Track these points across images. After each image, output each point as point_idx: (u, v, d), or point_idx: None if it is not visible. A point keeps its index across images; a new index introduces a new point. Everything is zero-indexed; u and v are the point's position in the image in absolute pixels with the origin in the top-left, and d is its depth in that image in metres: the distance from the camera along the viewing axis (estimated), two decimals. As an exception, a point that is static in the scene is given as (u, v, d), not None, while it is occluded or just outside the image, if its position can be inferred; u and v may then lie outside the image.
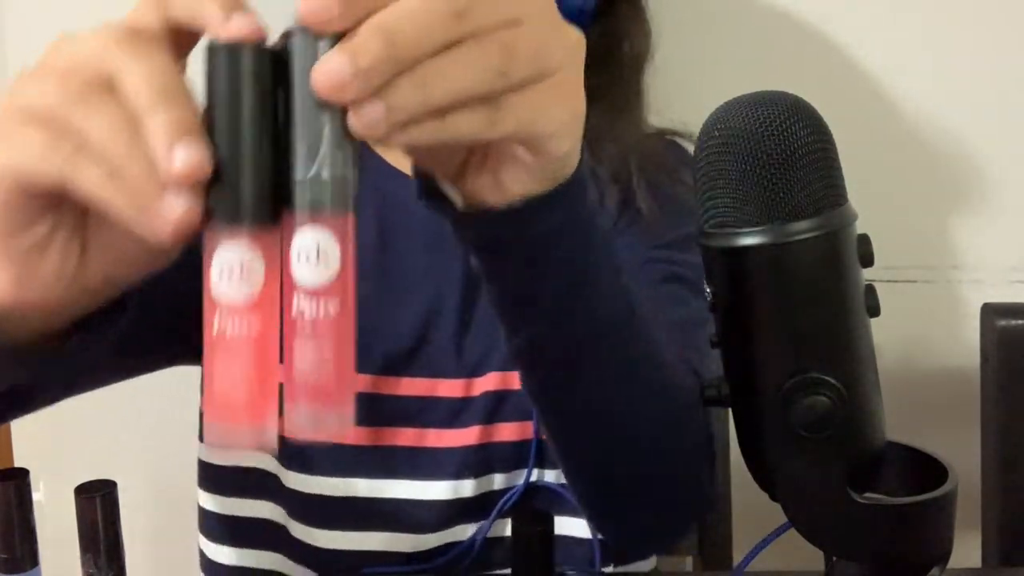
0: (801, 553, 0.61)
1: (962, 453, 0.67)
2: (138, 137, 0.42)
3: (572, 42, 0.48)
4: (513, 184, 0.51)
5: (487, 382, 0.84)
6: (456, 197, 0.53)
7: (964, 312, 1.15)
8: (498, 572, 0.85)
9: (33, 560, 0.64)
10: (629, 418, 0.68)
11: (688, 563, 1.11)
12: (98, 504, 0.63)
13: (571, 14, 0.69)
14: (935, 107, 1.15)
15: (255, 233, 0.42)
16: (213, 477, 0.88)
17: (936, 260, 1.18)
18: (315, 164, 0.42)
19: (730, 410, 0.58)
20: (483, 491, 0.84)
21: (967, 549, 1.06)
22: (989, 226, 1.17)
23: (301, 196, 0.42)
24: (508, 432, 0.84)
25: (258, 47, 0.42)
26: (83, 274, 0.48)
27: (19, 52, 1.14)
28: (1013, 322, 1.04)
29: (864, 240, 0.53)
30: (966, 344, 1.12)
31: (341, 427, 0.43)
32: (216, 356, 0.42)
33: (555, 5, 0.48)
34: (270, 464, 0.84)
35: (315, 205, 0.42)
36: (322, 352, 0.42)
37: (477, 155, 0.51)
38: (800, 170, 0.51)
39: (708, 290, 0.56)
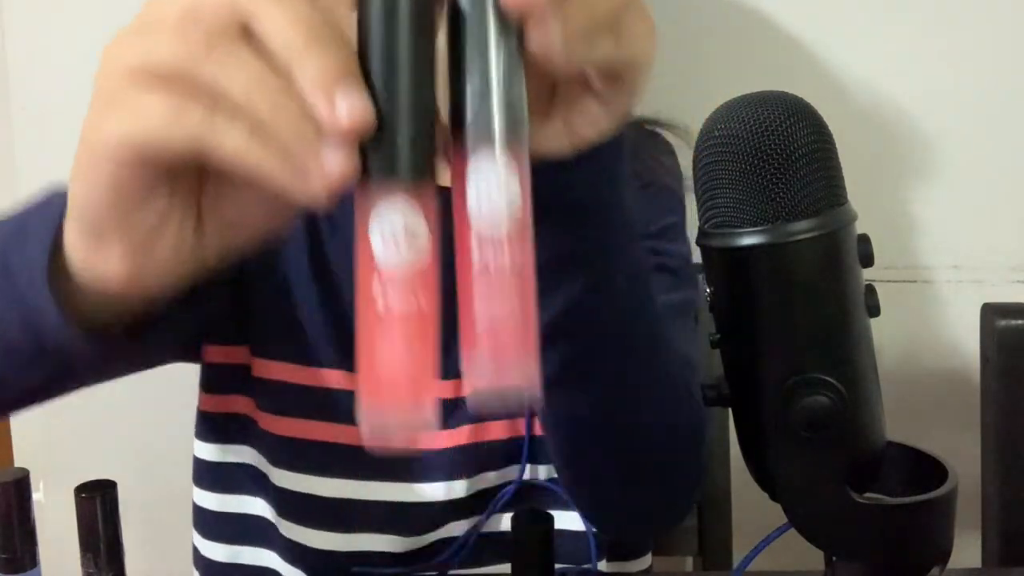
0: (801, 553, 0.61)
1: (962, 453, 0.67)
2: (285, 87, 0.37)
3: None
4: (587, 127, 0.47)
5: None
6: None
7: (964, 312, 1.15)
8: (491, 568, 0.85)
9: (33, 560, 0.64)
10: (637, 395, 0.68)
11: (688, 563, 1.11)
12: (98, 504, 0.63)
13: None
14: (935, 107, 1.15)
15: (419, 189, 0.38)
16: (207, 473, 0.88)
17: (936, 260, 1.18)
18: (491, 96, 0.38)
19: (730, 410, 0.58)
20: (476, 490, 0.84)
21: (967, 549, 1.06)
22: (989, 226, 1.17)
23: (477, 128, 0.38)
24: (499, 430, 0.84)
25: None
26: (199, 250, 0.43)
27: (19, 52, 1.14)
28: (1013, 322, 1.04)
29: (864, 240, 0.53)
30: (966, 344, 1.13)
31: (525, 379, 0.39)
32: (379, 331, 0.38)
33: None
34: (260, 462, 0.84)
35: (494, 137, 0.38)
36: (510, 298, 0.38)
37: (543, 102, 0.47)
38: (800, 170, 0.51)
39: (708, 290, 0.56)
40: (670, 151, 0.93)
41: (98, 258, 0.43)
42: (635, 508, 0.78)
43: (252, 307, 0.82)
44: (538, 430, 0.83)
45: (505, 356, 0.38)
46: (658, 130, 0.94)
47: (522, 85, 0.39)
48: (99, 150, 0.40)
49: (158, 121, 0.38)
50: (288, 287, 0.82)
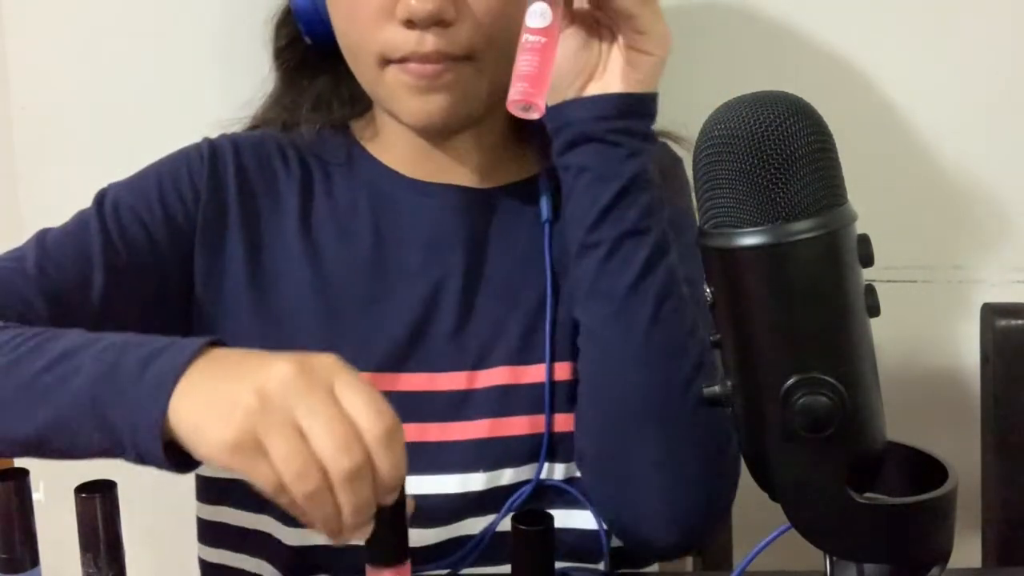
0: (801, 553, 0.61)
1: (962, 453, 0.67)
2: (319, 464, 0.58)
3: None
4: (619, 81, 0.78)
5: (495, 376, 0.85)
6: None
7: (964, 312, 1.15)
8: (501, 568, 0.85)
9: (33, 560, 0.64)
10: (661, 387, 0.78)
11: (688, 563, 1.11)
12: (98, 504, 0.63)
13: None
14: (935, 107, 1.15)
15: (400, 569, 0.63)
16: (204, 492, 0.90)
17: (936, 260, 1.18)
18: None
19: (730, 410, 0.58)
20: (492, 485, 0.84)
21: (967, 549, 1.06)
22: (989, 226, 1.17)
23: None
24: (519, 426, 0.84)
25: None
26: None
27: (19, 52, 1.14)
28: (1013, 322, 1.04)
29: (864, 240, 0.53)
30: (966, 344, 1.12)
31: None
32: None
33: None
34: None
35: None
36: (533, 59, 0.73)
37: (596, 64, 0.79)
38: (800, 170, 0.51)
39: (708, 290, 0.56)
40: (679, 162, 0.94)
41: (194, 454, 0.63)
42: (647, 512, 0.79)
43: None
44: (558, 427, 0.84)
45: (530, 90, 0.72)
46: (663, 139, 0.94)
47: None
48: (208, 458, 0.61)
49: (249, 466, 0.59)
50: (292, 325, 0.86)
